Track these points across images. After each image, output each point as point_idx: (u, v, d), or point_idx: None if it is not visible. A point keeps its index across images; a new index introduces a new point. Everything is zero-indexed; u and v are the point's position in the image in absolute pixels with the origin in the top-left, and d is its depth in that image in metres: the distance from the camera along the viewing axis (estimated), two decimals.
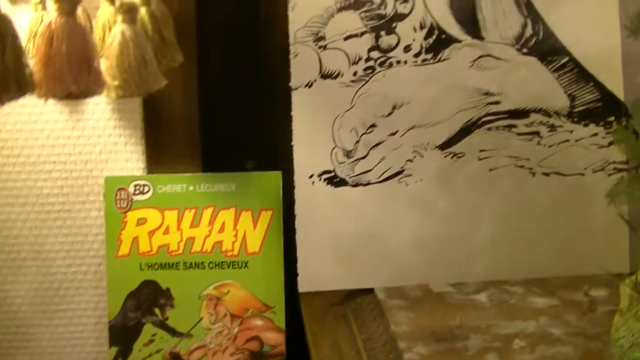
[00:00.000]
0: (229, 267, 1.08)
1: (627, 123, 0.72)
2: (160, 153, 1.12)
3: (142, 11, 0.88)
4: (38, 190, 1.11)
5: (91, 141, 1.10)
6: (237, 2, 1.14)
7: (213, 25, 1.12)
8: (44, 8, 0.94)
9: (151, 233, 1.09)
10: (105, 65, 0.80)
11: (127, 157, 1.12)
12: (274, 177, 1.09)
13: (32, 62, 0.74)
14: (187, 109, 1.11)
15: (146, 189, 1.09)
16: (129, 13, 0.81)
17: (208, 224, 1.09)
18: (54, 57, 0.74)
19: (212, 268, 1.08)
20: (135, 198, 1.09)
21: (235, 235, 1.09)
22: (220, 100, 1.15)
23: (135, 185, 1.09)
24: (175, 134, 1.11)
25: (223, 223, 1.09)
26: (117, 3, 0.79)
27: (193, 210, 1.09)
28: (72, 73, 0.74)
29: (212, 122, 1.14)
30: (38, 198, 1.11)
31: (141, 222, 1.09)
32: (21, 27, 0.92)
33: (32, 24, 0.95)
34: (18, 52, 0.71)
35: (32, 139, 1.10)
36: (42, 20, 0.94)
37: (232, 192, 1.09)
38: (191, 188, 1.09)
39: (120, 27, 0.80)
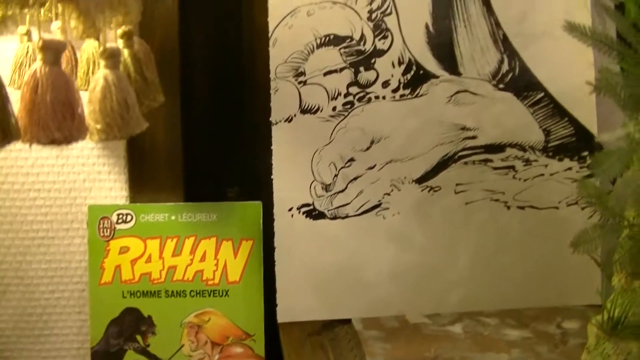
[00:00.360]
0: (209, 295, 1.12)
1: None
2: (143, 182, 1.15)
3: (125, 53, 0.92)
4: (22, 217, 1.15)
5: (75, 169, 1.14)
6: (219, 37, 1.18)
7: (196, 58, 1.16)
8: (30, 39, 0.99)
9: (133, 261, 1.13)
10: (88, 109, 0.84)
11: (111, 186, 1.16)
12: (254, 208, 1.13)
13: (17, 109, 0.77)
14: (169, 139, 1.15)
15: (129, 217, 1.13)
16: (112, 58, 0.84)
17: (189, 253, 1.13)
18: (38, 105, 0.78)
19: (193, 296, 1.12)
20: (118, 227, 1.13)
21: (216, 264, 1.13)
22: (202, 131, 1.19)
23: (119, 214, 1.13)
24: (158, 163, 1.15)
25: (204, 252, 1.13)
26: (101, 48, 0.83)
27: (175, 240, 1.13)
28: (55, 121, 0.78)
29: (195, 151, 1.18)
30: (22, 225, 1.15)
31: (124, 250, 1.13)
32: (7, 57, 0.97)
33: (17, 54, 1.00)
34: (3, 100, 0.75)
35: (17, 166, 1.13)
36: (27, 52, 0.98)
37: (213, 222, 1.13)
38: (173, 217, 1.13)
39: (103, 72, 0.84)
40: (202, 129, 1.19)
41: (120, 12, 0.85)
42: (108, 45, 0.85)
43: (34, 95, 0.78)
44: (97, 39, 0.83)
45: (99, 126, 0.84)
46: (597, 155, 0.69)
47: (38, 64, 0.79)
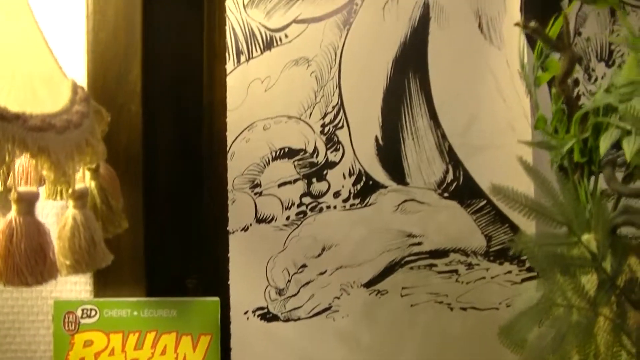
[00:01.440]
0: None
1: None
2: (106, 276, 1.27)
3: (92, 184, 1.05)
4: None
5: None
6: (181, 148, 1.31)
7: (159, 166, 1.29)
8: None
9: (97, 354, 1.26)
10: (58, 245, 0.97)
11: (76, 280, 1.28)
12: (213, 304, 1.27)
13: None
14: (133, 236, 1.27)
15: (93, 312, 1.26)
16: (80, 199, 0.98)
17: (151, 347, 1.26)
18: (13, 252, 0.91)
19: None
20: (83, 321, 1.26)
21: (176, 358, 1.26)
22: (164, 231, 1.33)
23: (83, 309, 1.26)
24: (121, 258, 1.27)
25: (165, 346, 1.26)
26: (70, 190, 0.97)
27: (137, 334, 1.26)
28: (29, 266, 0.91)
29: (156, 247, 1.31)
30: None
31: (88, 344, 1.26)
32: None
33: None
34: None
35: None
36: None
37: (174, 318, 1.26)
38: (135, 313, 1.26)
39: (72, 212, 0.98)
40: (164, 229, 1.31)
41: (88, 154, 0.99)
42: (77, 187, 0.98)
43: (9, 243, 0.91)
44: (68, 185, 0.96)
45: (68, 262, 0.97)
46: (506, 324, 0.84)
47: (13, 214, 0.92)
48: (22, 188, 0.94)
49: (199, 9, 1.28)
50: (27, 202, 0.92)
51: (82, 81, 1.20)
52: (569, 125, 0.99)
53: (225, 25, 1.22)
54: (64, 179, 0.93)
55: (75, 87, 1.02)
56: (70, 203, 0.97)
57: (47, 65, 1.01)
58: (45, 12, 1.17)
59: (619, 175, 0.95)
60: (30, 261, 0.91)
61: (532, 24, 0.99)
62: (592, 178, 0.96)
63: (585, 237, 0.94)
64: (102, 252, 0.97)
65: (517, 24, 1.00)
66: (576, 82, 1.30)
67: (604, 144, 0.90)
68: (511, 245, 0.87)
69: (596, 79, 1.29)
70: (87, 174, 1.04)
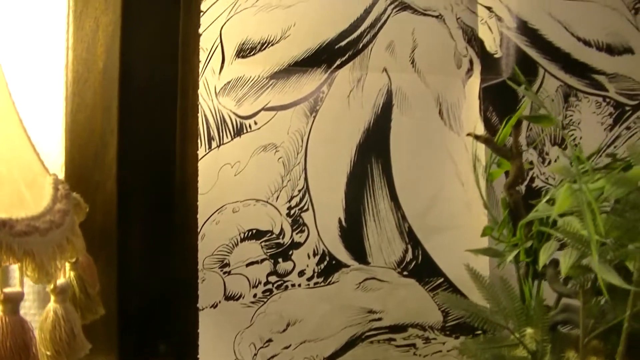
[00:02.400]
0: None
1: None
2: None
3: (71, 275, 1.18)
4: None
5: None
6: (153, 229, 1.44)
7: (133, 240, 1.42)
8: None
9: None
10: (39, 336, 1.10)
11: None
12: None
13: None
14: (107, 317, 1.40)
15: None
16: (61, 294, 1.11)
17: None
18: None
19: None
20: None
21: None
22: (137, 308, 1.45)
23: None
24: (95, 338, 1.40)
25: None
26: (51, 286, 1.10)
27: None
28: None
29: (129, 326, 1.43)
30: None
31: None
32: None
33: None
34: None
35: None
36: None
37: None
38: None
39: (53, 306, 1.10)
40: (137, 307, 1.44)
41: (69, 251, 1.12)
42: (58, 282, 1.11)
43: None
44: (50, 282, 1.09)
45: (48, 353, 1.10)
46: None
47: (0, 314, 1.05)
48: (8, 289, 1.06)
49: (173, 95, 1.41)
50: (13, 303, 1.04)
51: (60, 160, 1.31)
52: (514, 230, 1.13)
53: (197, 112, 1.35)
54: (47, 278, 1.05)
55: (56, 184, 1.14)
56: (52, 297, 1.09)
57: (32, 167, 1.13)
58: (25, 93, 1.28)
59: None
60: (15, 357, 1.03)
61: (483, 134, 1.13)
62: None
63: (528, 331, 1.08)
64: (81, 343, 1.10)
65: (469, 135, 1.13)
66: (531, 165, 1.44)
67: (544, 255, 1.03)
68: (459, 351, 1.00)
69: (550, 162, 1.43)
70: (67, 264, 1.17)
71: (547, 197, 1.07)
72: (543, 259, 1.03)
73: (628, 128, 1.46)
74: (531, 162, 1.43)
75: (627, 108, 1.48)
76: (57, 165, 1.30)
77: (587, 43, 1.47)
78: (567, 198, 0.95)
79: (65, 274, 1.13)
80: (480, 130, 1.41)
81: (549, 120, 1.07)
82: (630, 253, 0.94)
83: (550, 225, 1.02)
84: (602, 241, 0.90)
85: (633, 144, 1.13)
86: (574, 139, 1.45)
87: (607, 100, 1.48)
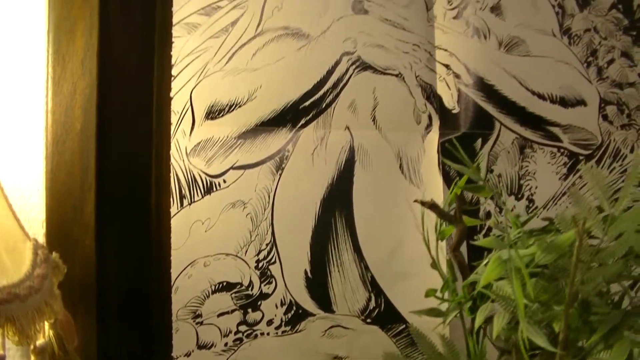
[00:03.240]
0: None
1: None
2: None
3: (50, 334, 1.32)
4: None
5: None
6: (132, 282, 1.58)
7: (111, 295, 1.56)
8: None
9: None
10: None
11: None
12: None
13: None
14: (86, 352, 1.54)
15: None
16: (41, 354, 1.25)
17: None
18: None
19: None
20: None
21: None
22: (116, 349, 1.60)
23: None
24: None
25: None
26: (31, 346, 1.24)
27: None
28: None
29: None
30: None
31: None
32: None
33: None
34: None
35: None
36: None
37: None
38: None
39: None
40: (115, 352, 1.58)
41: (47, 313, 1.26)
42: (38, 343, 1.25)
43: None
44: (30, 344, 1.23)
45: None
46: None
47: None
48: None
49: (148, 154, 1.54)
50: None
51: (42, 216, 1.45)
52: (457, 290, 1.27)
53: (170, 172, 1.49)
54: (27, 340, 1.19)
55: (36, 249, 1.28)
56: (32, 357, 1.24)
57: (13, 234, 1.26)
58: (6, 154, 1.42)
59: None
60: None
61: (429, 200, 1.26)
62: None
63: None
64: None
65: (415, 201, 1.27)
66: (488, 215, 1.58)
67: (479, 317, 1.17)
68: None
69: (506, 211, 1.57)
70: (46, 324, 1.31)
71: (486, 261, 1.20)
72: (479, 320, 1.16)
73: (581, 177, 1.59)
74: (488, 213, 1.56)
75: (581, 157, 1.61)
76: (39, 221, 1.42)
77: (541, 97, 1.60)
78: (495, 268, 1.08)
79: (45, 334, 1.26)
80: (439, 183, 1.55)
81: (487, 191, 1.21)
82: (556, 315, 1.07)
83: (490, 287, 1.15)
84: (530, 304, 1.03)
85: (562, 211, 1.26)
86: (530, 189, 1.59)
87: (562, 150, 1.61)
